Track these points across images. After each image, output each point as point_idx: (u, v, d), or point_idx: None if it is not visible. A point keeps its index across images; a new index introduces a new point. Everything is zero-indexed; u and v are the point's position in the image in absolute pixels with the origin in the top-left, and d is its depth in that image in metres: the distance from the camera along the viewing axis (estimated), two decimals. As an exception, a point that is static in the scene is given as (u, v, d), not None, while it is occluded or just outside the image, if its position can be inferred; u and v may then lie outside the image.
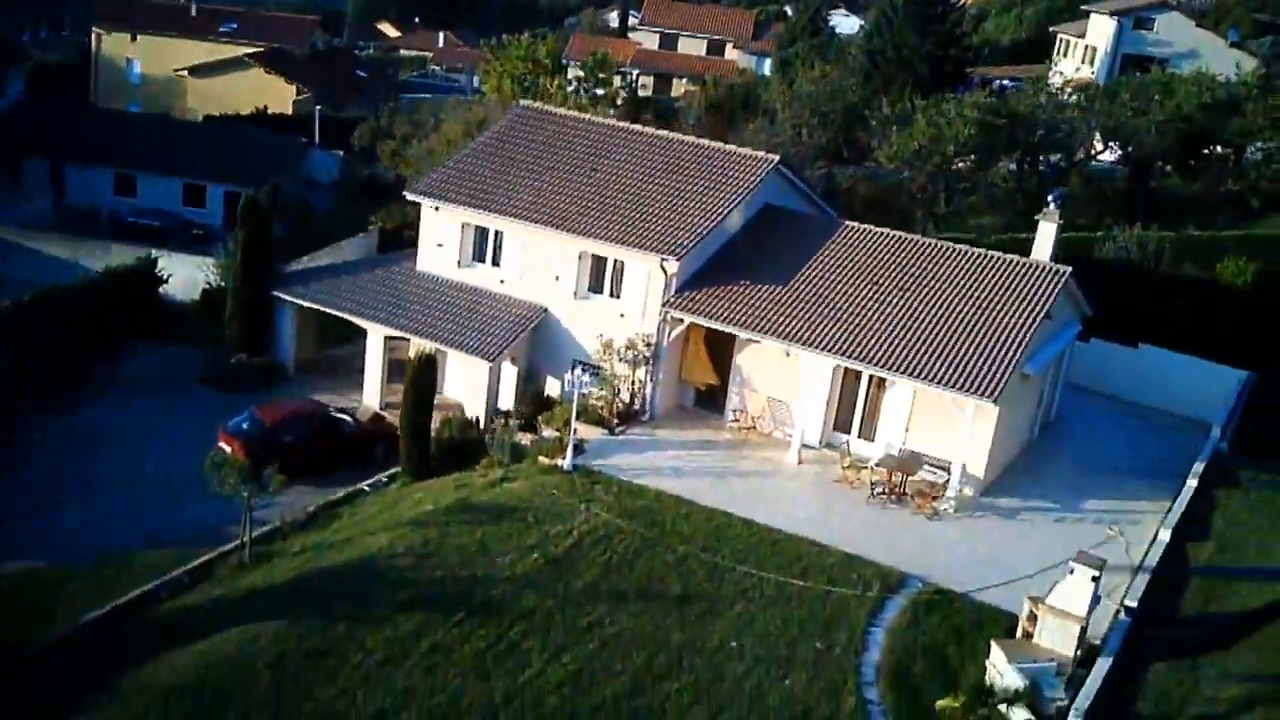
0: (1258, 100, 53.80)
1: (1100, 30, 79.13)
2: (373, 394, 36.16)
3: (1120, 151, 56.88)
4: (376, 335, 35.37)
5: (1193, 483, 30.89)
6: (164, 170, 61.93)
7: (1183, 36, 76.24)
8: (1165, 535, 27.58)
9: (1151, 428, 37.00)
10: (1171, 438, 36.11)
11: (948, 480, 29.84)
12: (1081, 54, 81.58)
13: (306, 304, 36.74)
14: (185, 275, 42.87)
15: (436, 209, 36.28)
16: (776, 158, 36.79)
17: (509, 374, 34.36)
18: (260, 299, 37.14)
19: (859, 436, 32.67)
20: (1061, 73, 77.49)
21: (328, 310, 36.21)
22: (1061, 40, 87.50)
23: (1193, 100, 53.95)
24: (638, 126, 39.59)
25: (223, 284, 40.51)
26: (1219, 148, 56.94)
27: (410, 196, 36.92)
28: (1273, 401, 36.86)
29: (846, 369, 31.46)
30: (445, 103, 71.85)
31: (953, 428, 29.90)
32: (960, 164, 53.07)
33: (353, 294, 36.13)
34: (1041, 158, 56.88)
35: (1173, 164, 58.54)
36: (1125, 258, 42.52)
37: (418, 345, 33.26)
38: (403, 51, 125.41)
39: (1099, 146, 57.36)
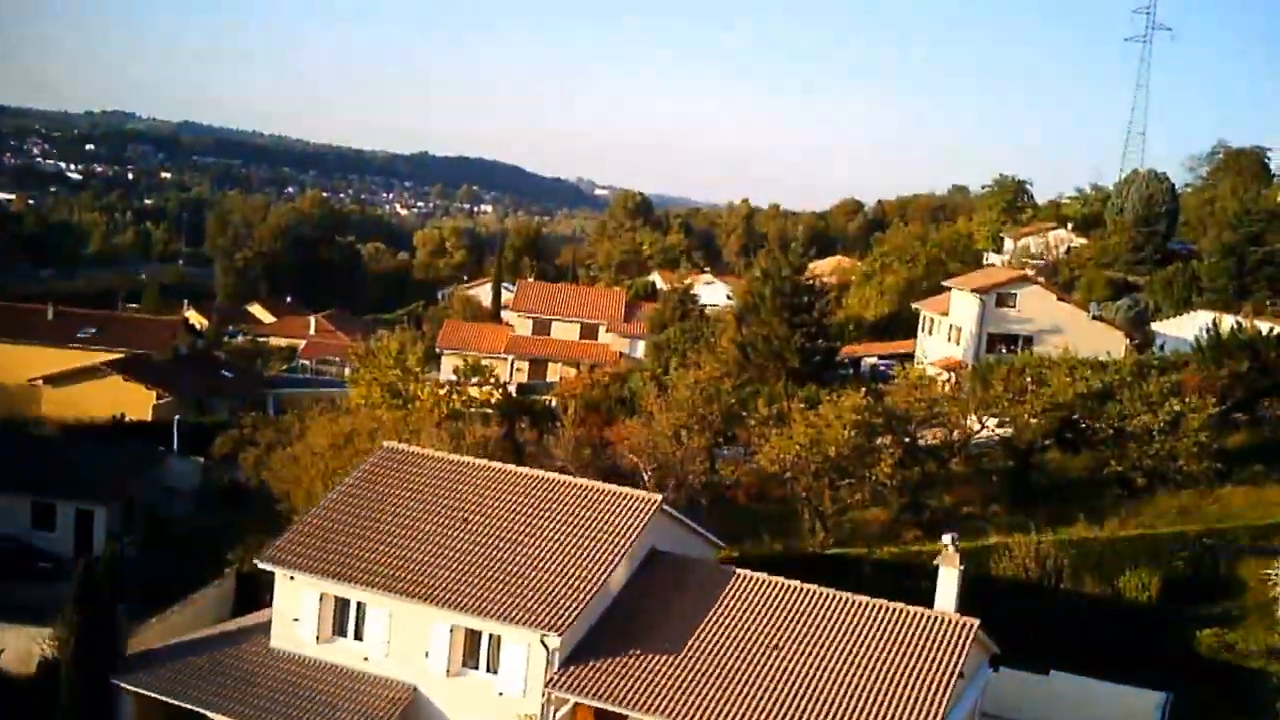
0: (1132, 387, 54.19)
1: (963, 309, 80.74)
2: (220, 790, 32.10)
3: (998, 430, 56.70)
4: (226, 730, 31.64)
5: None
6: (9, 488, 57.25)
7: (1045, 312, 78.05)
8: None
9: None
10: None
11: None
12: (947, 332, 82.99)
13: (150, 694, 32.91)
14: (20, 647, 38.78)
15: (291, 578, 33.28)
16: (659, 498, 34.94)
17: (377, 764, 30.78)
18: (98, 685, 33.23)
19: (768, 814, 29.66)
20: (931, 362, 78.69)
21: (172, 702, 32.38)
22: (925, 318, 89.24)
23: (1067, 391, 54.12)
24: (511, 467, 37.49)
25: (59, 658, 36.51)
26: (1098, 423, 57.04)
27: (262, 565, 33.94)
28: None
29: (750, 746, 28.73)
30: (311, 408, 69.47)
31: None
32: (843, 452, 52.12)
33: (200, 680, 32.49)
34: (921, 440, 56.51)
35: (1052, 441, 58.45)
36: (1024, 575, 41.01)
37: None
38: (272, 340, 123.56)
39: (976, 426, 57.12)
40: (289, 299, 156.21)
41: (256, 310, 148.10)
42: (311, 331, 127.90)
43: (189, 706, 32.09)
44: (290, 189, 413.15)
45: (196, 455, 67.15)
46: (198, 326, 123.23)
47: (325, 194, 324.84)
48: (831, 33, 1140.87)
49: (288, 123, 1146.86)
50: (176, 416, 71.97)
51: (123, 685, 33.12)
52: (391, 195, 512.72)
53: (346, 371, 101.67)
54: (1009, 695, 36.24)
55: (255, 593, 41.74)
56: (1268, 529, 43.21)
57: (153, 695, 32.72)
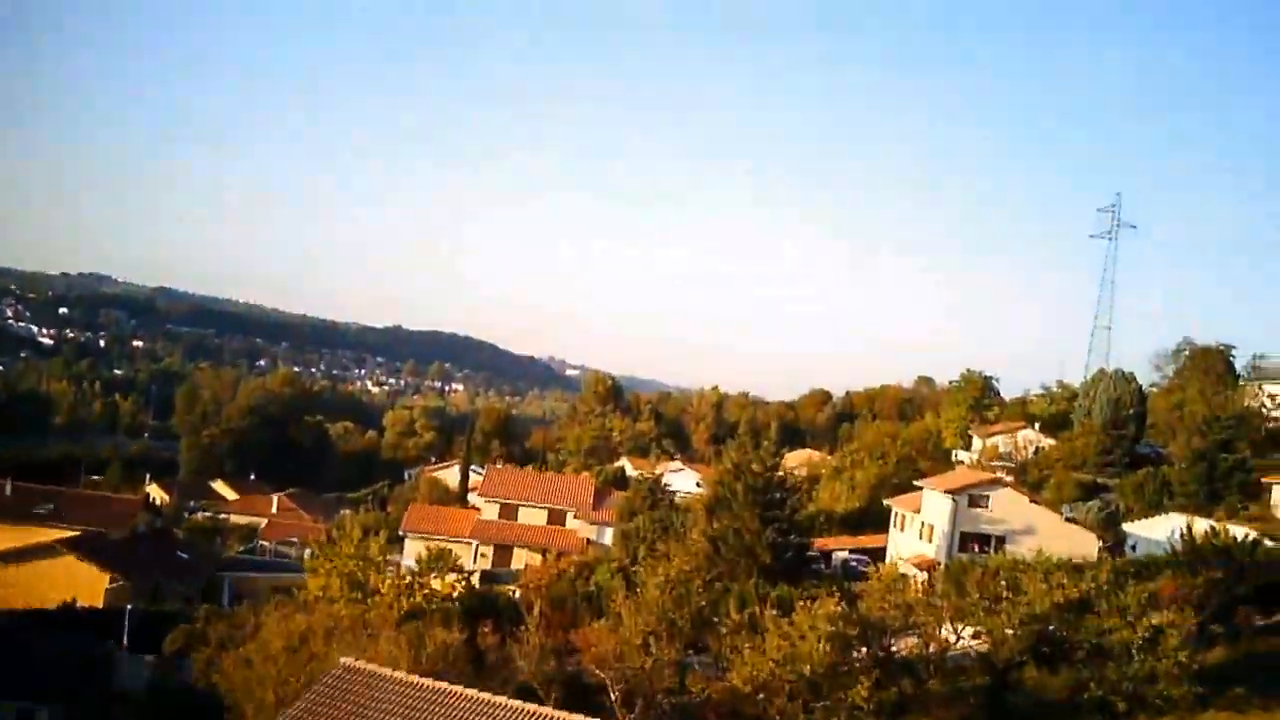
0: (1109, 597, 53.29)
1: (935, 508, 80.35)
2: None
3: (974, 643, 55.43)
4: None
5: None
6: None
7: (1018, 514, 77.76)
8: None
9: None
10: None
11: None
12: (919, 530, 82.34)
13: None
14: None
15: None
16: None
17: None
18: None
19: None
20: (904, 559, 77.94)
21: None
22: (898, 514, 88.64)
23: (1044, 600, 53.10)
24: (474, 693, 35.90)
25: None
26: (1076, 636, 55.84)
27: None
28: None
29: None
30: (268, 601, 67.60)
31: None
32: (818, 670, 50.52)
33: None
34: (896, 651, 55.15)
35: (1029, 658, 57.11)
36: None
37: None
38: (233, 518, 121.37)
39: (952, 638, 55.86)
40: (253, 476, 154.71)
41: (220, 487, 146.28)
42: (274, 510, 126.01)
43: None
44: (262, 361, 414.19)
45: (148, 649, 65.14)
46: (158, 502, 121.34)
47: (296, 369, 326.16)
48: (796, 222, 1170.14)
49: (263, 290, 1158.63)
50: (129, 607, 69.77)
51: None
52: (363, 371, 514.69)
53: (306, 554, 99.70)
54: None
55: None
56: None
57: None
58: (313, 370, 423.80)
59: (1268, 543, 64.23)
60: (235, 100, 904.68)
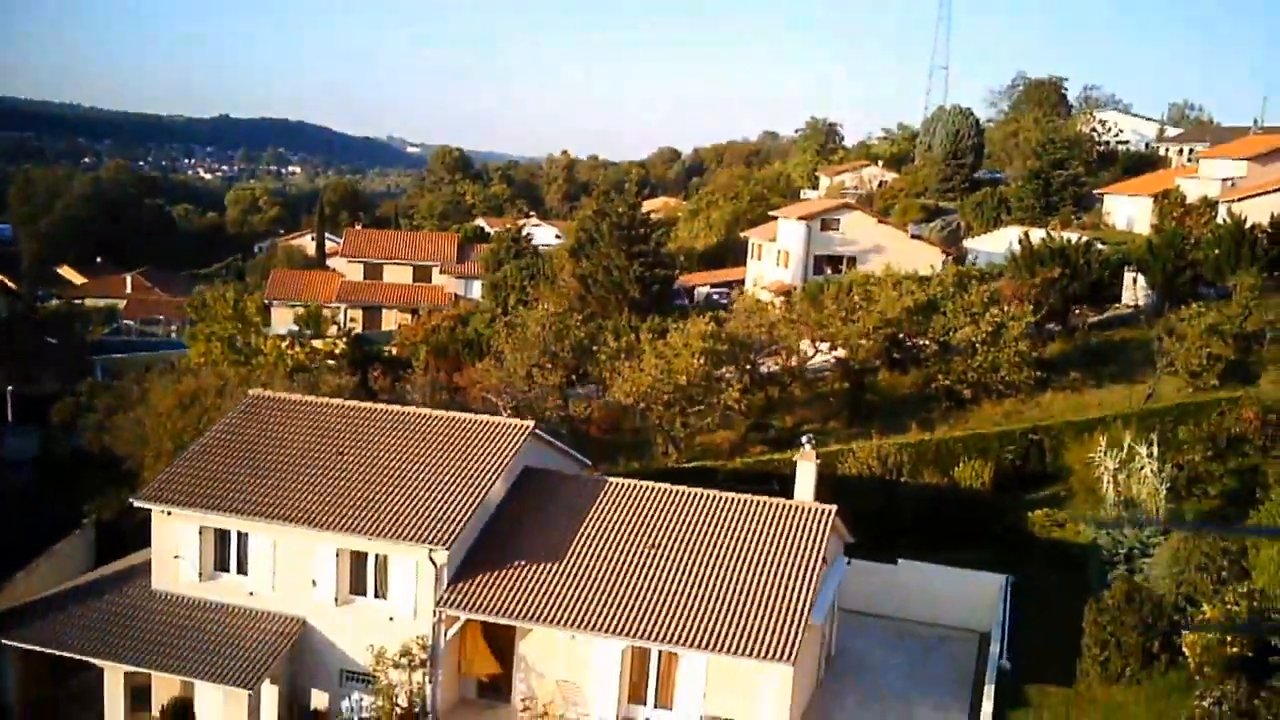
0: (954, 298, 57.24)
1: (790, 235, 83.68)
2: (113, 737, 32.09)
3: (832, 354, 59.32)
4: (115, 673, 31.58)
5: (988, 706, 30.88)
6: None
7: (867, 234, 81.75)
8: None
9: (927, 646, 37.44)
10: (949, 654, 36.60)
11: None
12: (775, 256, 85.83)
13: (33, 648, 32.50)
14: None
15: (168, 514, 33.23)
16: (531, 424, 35.96)
17: (270, 696, 31.20)
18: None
19: (656, 706, 31.40)
20: (763, 287, 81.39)
21: (56, 652, 32.09)
22: (755, 245, 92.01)
23: (895, 306, 56.89)
24: (381, 405, 37.99)
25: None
26: (924, 341, 59.96)
27: (138, 504, 33.77)
28: (1031, 602, 37.83)
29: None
30: (150, 370, 67.83)
31: (750, 682, 29.33)
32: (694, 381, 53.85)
33: (85, 629, 32.21)
34: (762, 366, 58.83)
35: (882, 362, 61.33)
36: (868, 472, 43.65)
37: (163, 681, 29.83)
38: (89, 302, 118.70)
39: (811, 352, 59.64)
40: (99, 260, 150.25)
41: (66, 272, 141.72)
42: (128, 290, 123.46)
43: (76, 657, 31.85)
44: (87, 159, 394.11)
45: (32, 425, 65.17)
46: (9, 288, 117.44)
47: (125, 161, 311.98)
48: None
49: (79, 89, 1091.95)
50: (9, 387, 69.32)
51: (2, 642, 32.61)
52: (192, 161, 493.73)
53: (173, 330, 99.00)
54: (861, 586, 38.55)
55: (117, 540, 41.37)
56: (1090, 423, 46.51)
57: (36, 649, 32.32)
58: (141, 164, 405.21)
59: (1100, 245, 68.62)
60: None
